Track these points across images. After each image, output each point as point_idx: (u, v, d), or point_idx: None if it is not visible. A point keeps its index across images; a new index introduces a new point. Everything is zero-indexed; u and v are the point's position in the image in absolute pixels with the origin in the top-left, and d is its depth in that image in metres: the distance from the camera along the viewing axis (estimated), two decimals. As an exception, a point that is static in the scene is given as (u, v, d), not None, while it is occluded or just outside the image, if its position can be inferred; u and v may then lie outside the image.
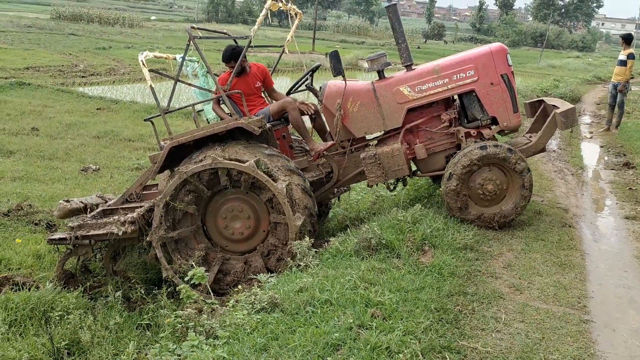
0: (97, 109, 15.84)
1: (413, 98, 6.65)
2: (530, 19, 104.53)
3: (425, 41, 71.71)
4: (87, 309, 5.60)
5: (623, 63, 13.51)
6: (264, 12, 6.33)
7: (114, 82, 20.99)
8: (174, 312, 4.75)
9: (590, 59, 49.89)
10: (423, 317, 4.31)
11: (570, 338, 4.38)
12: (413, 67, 6.84)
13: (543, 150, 7.02)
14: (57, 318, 5.30)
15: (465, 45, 70.66)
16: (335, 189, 7.09)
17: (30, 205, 8.06)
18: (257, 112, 6.71)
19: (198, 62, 6.97)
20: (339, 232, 6.73)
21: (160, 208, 5.93)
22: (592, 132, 14.24)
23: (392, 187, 7.28)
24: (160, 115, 6.14)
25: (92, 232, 6.21)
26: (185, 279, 5.15)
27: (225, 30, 7.13)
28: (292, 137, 7.24)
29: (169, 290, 5.85)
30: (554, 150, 11.52)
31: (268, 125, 6.27)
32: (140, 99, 17.68)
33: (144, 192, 6.98)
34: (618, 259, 6.16)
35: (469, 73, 6.60)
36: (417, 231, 5.80)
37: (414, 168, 7.09)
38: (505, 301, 4.90)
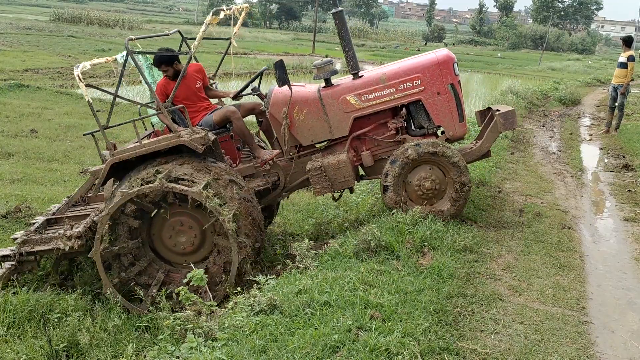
0: (97, 111, 15.78)
1: (360, 107, 6.62)
2: (530, 21, 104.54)
3: (426, 43, 71.78)
4: (86, 311, 5.56)
5: (623, 65, 13.51)
6: (203, 27, 6.11)
7: (113, 84, 20.96)
8: (173, 314, 4.73)
9: (590, 62, 49.93)
10: (422, 319, 4.31)
11: (569, 339, 4.37)
12: (360, 74, 6.81)
13: (488, 154, 7.07)
14: (56, 320, 5.27)
15: (465, 47, 70.74)
16: (284, 193, 7.05)
17: (28, 207, 8.03)
18: (201, 121, 6.59)
19: (143, 55, 6.83)
20: (338, 233, 6.74)
21: (103, 226, 5.69)
22: (591, 134, 14.25)
23: (337, 197, 7.26)
24: (100, 130, 6.01)
25: (37, 248, 6.02)
26: (184, 280, 5.12)
27: (167, 32, 6.89)
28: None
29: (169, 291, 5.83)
30: (553, 152, 11.53)
31: (212, 137, 6.07)
32: (140, 100, 17.65)
33: (89, 195, 6.89)
34: (617, 261, 6.15)
35: (416, 83, 6.58)
36: (416, 233, 5.80)
37: (361, 172, 7.10)
38: (504, 303, 4.89)
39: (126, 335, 5.30)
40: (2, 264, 6.16)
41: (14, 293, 5.60)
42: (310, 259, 5.69)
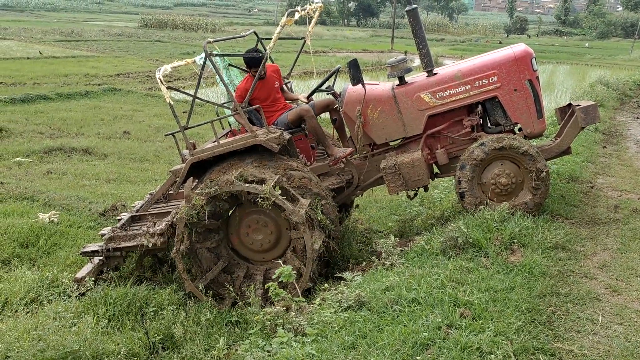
0: (183, 112, 16.31)
1: (434, 105, 6.52)
2: (620, 8, 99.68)
3: (507, 36, 69.81)
4: (180, 305, 5.77)
5: None
6: (278, 29, 6.16)
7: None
8: (263, 310, 4.83)
9: (687, 49, 46.99)
10: (514, 318, 4.21)
11: (674, 342, 4.14)
12: (434, 72, 6.69)
13: (568, 151, 6.77)
14: (152, 313, 5.52)
15: (549, 38, 68.29)
16: (358, 191, 7.02)
17: (124, 205, 8.44)
18: (276, 120, 6.66)
19: (220, 56, 6.95)
20: (423, 230, 6.68)
21: (181, 228, 5.84)
22: (692, 126, 13.43)
23: (412, 196, 7.15)
24: (180, 131, 6.15)
25: (122, 245, 6.32)
26: (273, 277, 5.22)
27: (243, 34, 6.96)
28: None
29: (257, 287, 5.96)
30: (649, 145, 10.95)
31: (287, 136, 6.14)
32: (224, 100, 18.13)
33: (170, 192, 7.13)
34: None
35: (492, 79, 6.41)
36: (505, 230, 5.67)
37: (435, 170, 6.97)
38: (601, 302, 4.70)
39: (217, 329, 5.46)
40: (92, 259, 6.52)
41: (114, 287, 5.89)
42: (396, 255, 5.67)
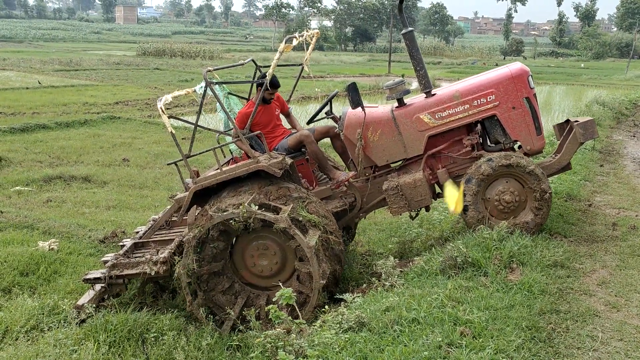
0: (182, 138, 16.39)
1: (434, 125, 6.59)
2: (615, 29, 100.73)
3: (504, 58, 70.33)
4: (180, 330, 5.76)
5: None
6: (277, 56, 6.28)
7: (195, 112, 21.71)
8: (264, 332, 4.83)
9: (682, 67, 47.40)
10: (514, 336, 4.22)
11: (674, 357, 4.15)
12: (433, 92, 6.78)
13: (568, 167, 6.85)
14: (153, 339, 5.50)
15: (545, 59, 68.84)
16: (361, 214, 7.05)
17: (123, 232, 8.46)
18: (277, 145, 6.73)
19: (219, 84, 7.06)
20: (423, 251, 6.69)
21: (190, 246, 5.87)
22: (688, 143, 13.50)
23: (414, 216, 7.19)
24: (182, 159, 6.21)
25: (125, 272, 6.30)
26: (274, 299, 5.22)
27: (242, 62, 7.05)
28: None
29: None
30: (646, 163, 11.00)
31: (289, 161, 6.19)
32: (222, 128, 18.22)
33: (173, 219, 7.16)
34: None
35: (490, 98, 6.50)
36: (503, 249, 5.69)
37: (437, 190, 7.01)
38: (601, 319, 4.71)
39: (218, 353, 5.45)
40: (94, 286, 6.51)
41: (114, 313, 5.88)
42: (396, 276, 5.68)
